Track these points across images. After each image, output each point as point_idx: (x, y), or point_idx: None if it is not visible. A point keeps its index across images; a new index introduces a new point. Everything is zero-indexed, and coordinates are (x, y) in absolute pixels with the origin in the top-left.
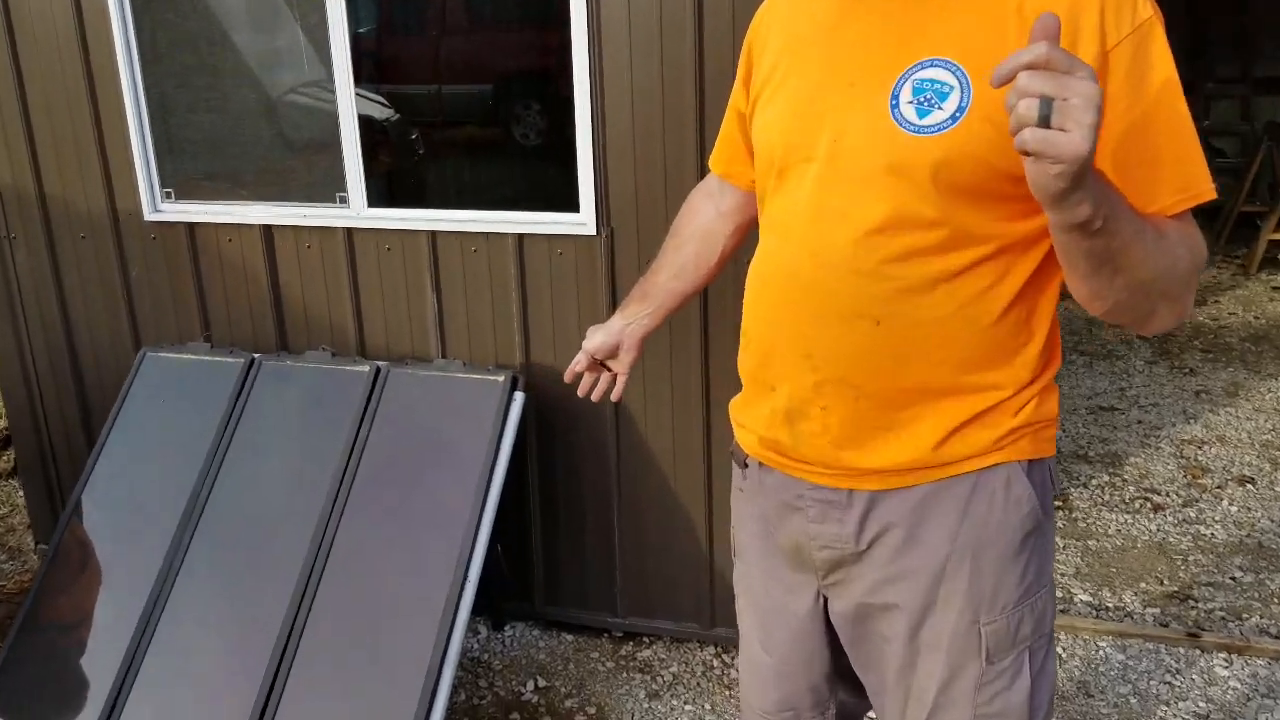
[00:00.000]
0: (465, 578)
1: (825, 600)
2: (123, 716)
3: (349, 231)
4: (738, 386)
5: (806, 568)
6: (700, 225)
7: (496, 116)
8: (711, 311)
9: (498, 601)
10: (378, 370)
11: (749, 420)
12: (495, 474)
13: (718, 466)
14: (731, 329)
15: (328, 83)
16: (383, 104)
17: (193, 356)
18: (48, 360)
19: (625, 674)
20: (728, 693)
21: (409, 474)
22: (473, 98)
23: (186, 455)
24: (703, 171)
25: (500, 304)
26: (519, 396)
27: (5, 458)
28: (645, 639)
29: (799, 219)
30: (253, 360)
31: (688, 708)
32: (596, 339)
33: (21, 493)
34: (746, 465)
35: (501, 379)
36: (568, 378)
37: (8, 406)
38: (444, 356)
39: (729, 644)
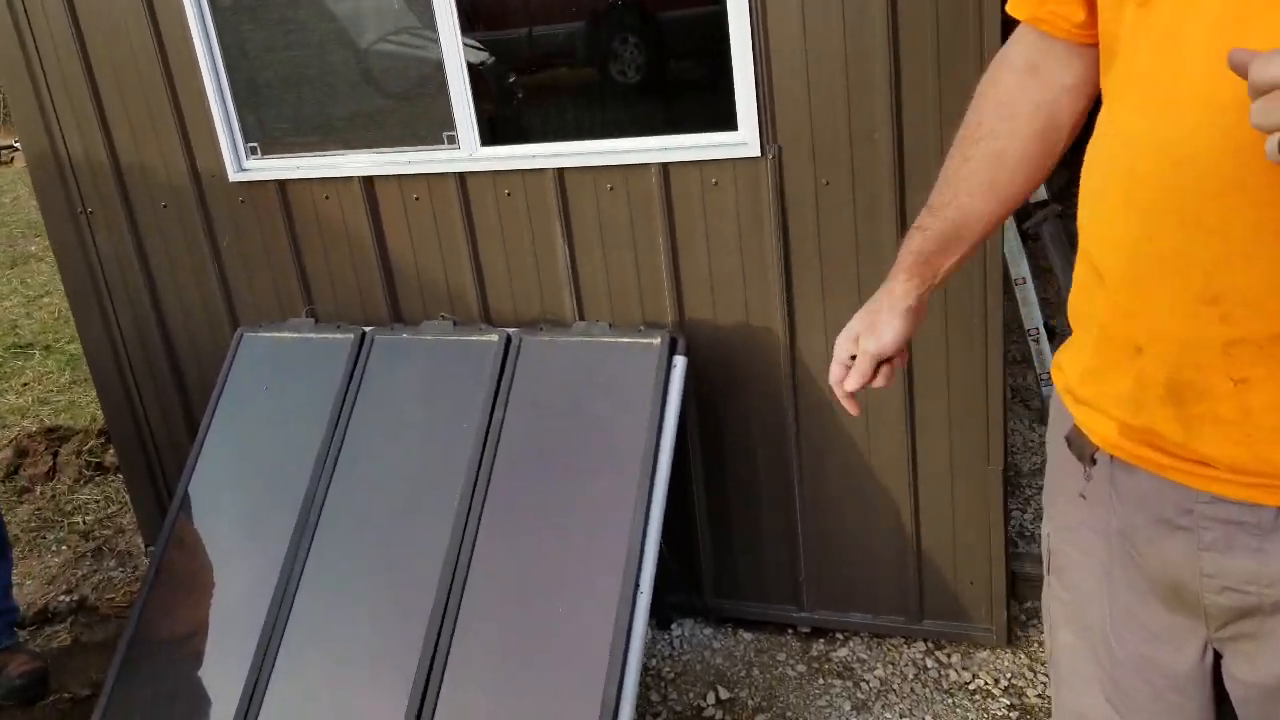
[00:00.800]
0: (637, 588)
1: (1217, 656)
2: None
3: (461, 177)
4: (945, 339)
5: (1189, 609)
6: (1029, 111)
7: (603, 41)
8: None
9: (662, 595)
10: (508, 339)
11: (1099, 395)
12: (660, 459)
13: (922, 429)
14: None
15: (424, 5)
16: (477, 48)
17: (295, 335)
18: (140, 345)
19: (821, 679)
20: (950, 700)
21: (556, 462)
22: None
23: (298, 445)
24: (896, 59)
25: (645, 250)
26: (680, 362)
27: (112, 452)
28: (838, 636)
29: (1191, 70)
30: (363, 335)
31: None
32: (888, 334)
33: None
34: (1094, 462)
35: (657, 341)
36: (849, 404)
37: (103, 399)
38: (581, 318)
39: (941, 640)
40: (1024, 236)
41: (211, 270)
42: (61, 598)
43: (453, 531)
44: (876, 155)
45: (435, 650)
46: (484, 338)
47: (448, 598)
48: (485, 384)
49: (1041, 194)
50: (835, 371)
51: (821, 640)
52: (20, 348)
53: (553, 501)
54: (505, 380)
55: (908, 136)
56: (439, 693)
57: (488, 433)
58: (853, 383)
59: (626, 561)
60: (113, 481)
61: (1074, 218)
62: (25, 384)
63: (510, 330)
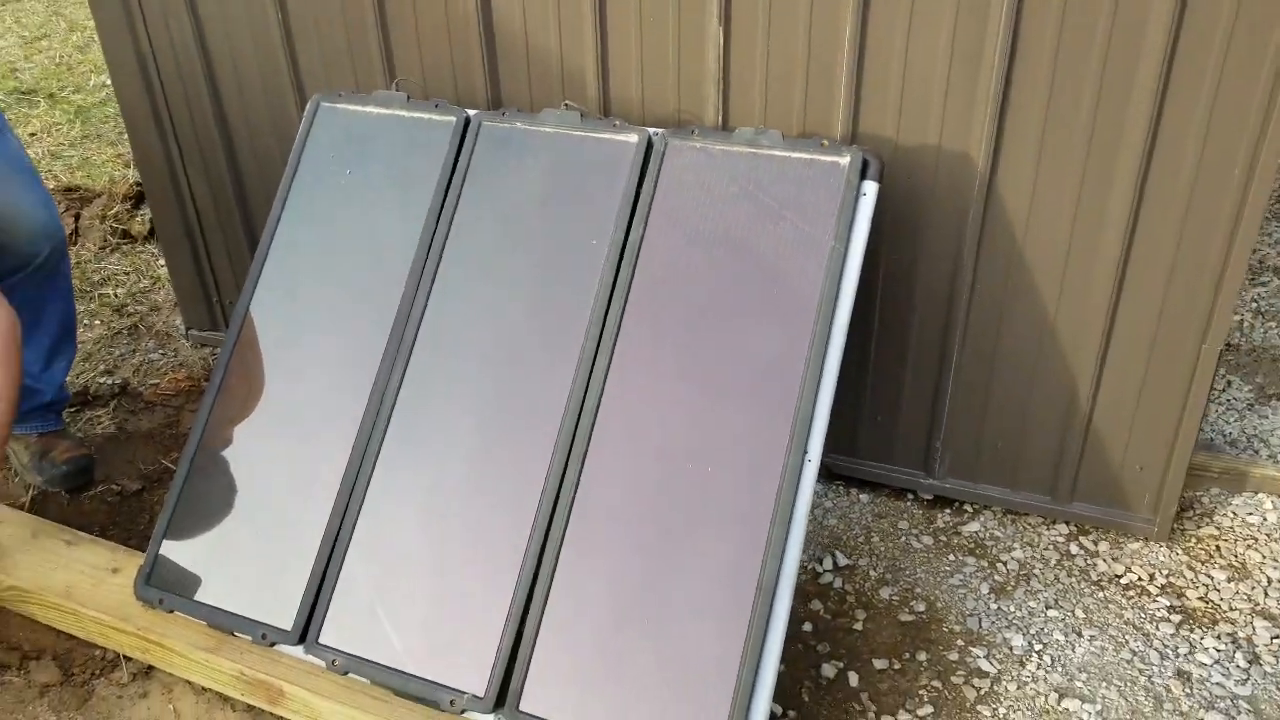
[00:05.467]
0: (805, 454)
1: None
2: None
3: None
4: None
5: None
6: None
7: None
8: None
9: None
10: (650, 141)
11: None
12: (840, 306)
13: (1131, 294)
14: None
15: None
16: None
17: (383, 110)
18: (184, 106)
19: (952, 555)
20: (1100, 593)
21: (706, 298)
22: None
23: (389, 245)
24: None
25: (822, 37)
26: (870, 189)
27: (140, 219)
28: (966, 508)
29: None
30: (468, 119)
31: (1051, 613)
32: None
33: (163, 262)
34: None
35: (845, 160)
36: None
37: (136, 154)
38: (726, 122)
39: (1089, 525)
40: None
41: (274, 23)
42: (101, 379)
43: (577, 370)
44: None
45: (552, 520)
46: (620, 136)
47: (568, 455)
48: (620, 193)
49: None
50: None
51: (947, 511)
52: (23, 93)
53: (701, 346)
54: (646, 192)
55: None
56: (555, 565)
57: (623, 254)
58: None
59: (794, 424)
60: (141, 252)
61: None
62: (33, 134)
63: (652, 131)
